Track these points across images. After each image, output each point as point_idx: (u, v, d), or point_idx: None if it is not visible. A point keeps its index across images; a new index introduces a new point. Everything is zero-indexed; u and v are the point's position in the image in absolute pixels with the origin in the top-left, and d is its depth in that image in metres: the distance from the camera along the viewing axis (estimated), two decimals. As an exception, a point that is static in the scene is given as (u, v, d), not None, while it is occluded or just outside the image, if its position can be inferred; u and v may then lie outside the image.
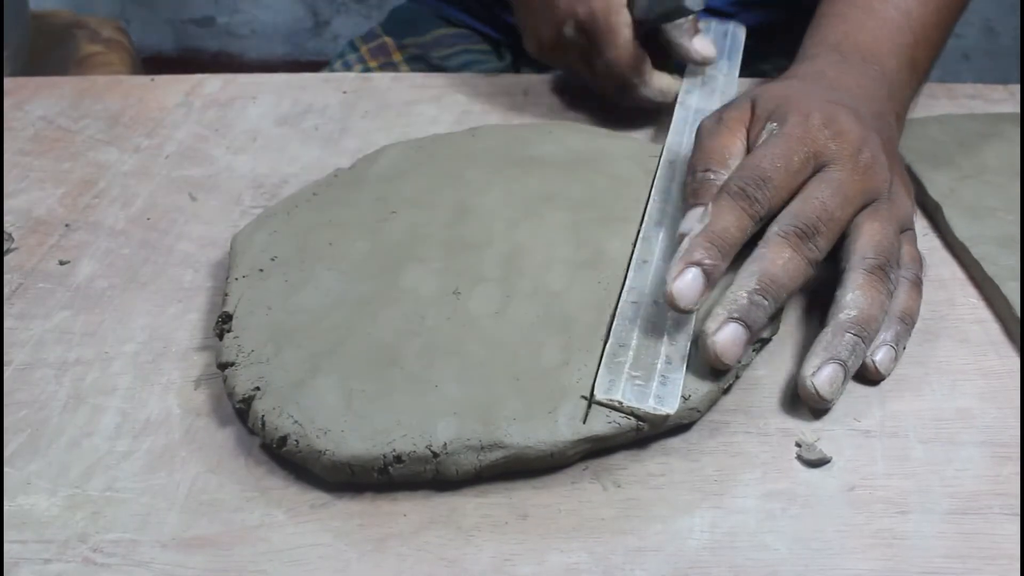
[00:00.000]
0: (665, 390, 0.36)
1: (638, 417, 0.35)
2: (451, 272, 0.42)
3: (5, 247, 0.48)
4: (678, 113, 0.56)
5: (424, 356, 0.38)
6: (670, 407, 0.36)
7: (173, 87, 0.66)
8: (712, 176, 0.43)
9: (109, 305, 0.44)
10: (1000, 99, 0.62)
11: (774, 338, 0.41)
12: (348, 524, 0.34)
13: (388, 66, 0.80)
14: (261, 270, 0.43)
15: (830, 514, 0.34)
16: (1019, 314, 0.41)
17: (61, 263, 0.47)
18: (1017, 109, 0.60)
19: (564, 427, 0.35)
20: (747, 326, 0.37)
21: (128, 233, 0.50)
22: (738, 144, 0.44)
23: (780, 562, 0.32)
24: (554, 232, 0.45)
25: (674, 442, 0.37)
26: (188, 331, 0.43)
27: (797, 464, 0.36)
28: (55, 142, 0.59)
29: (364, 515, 0.34)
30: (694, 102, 0.57)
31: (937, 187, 0.50)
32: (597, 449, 0.36)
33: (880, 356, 0.39)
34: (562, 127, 0.55)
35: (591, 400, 0.36)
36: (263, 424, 0.36)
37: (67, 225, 0.51)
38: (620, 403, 0.36)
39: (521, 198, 0.48)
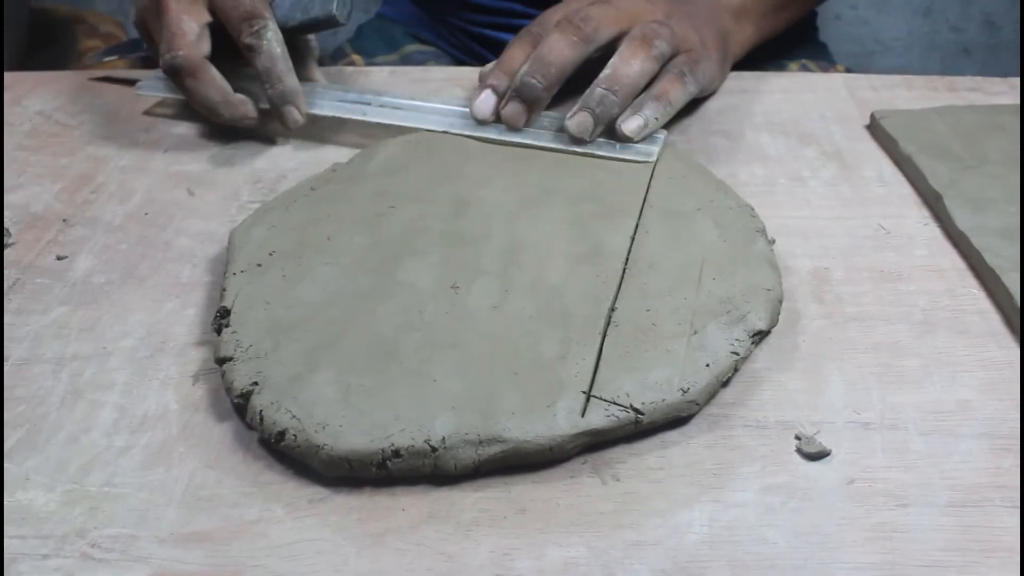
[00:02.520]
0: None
1: (636, 410, 0.35)
2: (449, 266, 0.42)
3: (4, 242, 0.48)
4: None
5: (422, 350, 0.38)
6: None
7: (171, 82, 0.65)
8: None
9: (107, 300, 0.44)
10: (1000, 92, 0.62)
11: (773, 331, 0.41)
12: (346, 519, 0.34)
13: None
14: (259, 265, 0.43)
15: (830, 507, 0.34)
16: (1019, 305, 0.41)
17: (59, 258, 0.47)
18: (1017, 101, 0.60)
19: (563, 421, 0.35)
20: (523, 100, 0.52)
21: (126, 228, 0.50)
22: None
23: (779, 556, 0.32)
24: (553, 226, 0.45)
25: (673, 435, 0.37)
26: (186, 326, 0.43)
27: (796, 457, 0.36)
28: (53, 137, 0.59)
29: (362, 510, 0.34)
30: None
31: (938, 178, 0.50)
32: (596, 443, 0.36)
33: (629, 123, 0.50)
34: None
35: (589, 394, 0.36)
36: (261, 419, 0.36)
37: (65, 220, 0.51)
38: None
39: (519, 192, 0.48)
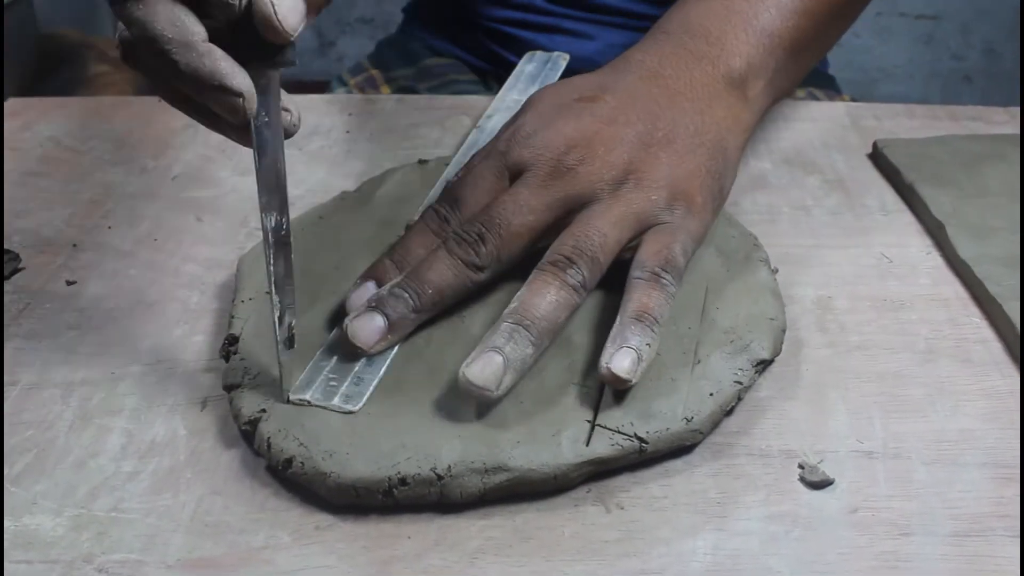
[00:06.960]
0: (356, 390, 0.38)
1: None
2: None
3: (14, 267, 0.49)
4: (472, 136, 0.56)
5: (428, 379, 0.38)
6: (355, 405, 0.37)
7: (180, 108, 0.66)
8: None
9: (115, 326, 0.45)
10: (1001, 121, 0.62)
11: (776, 360, 0.41)
12: (352, 546, 0.34)
13: None
14: (268, 292, 0.43)
15: (833, 536, 0.34)
16: (1021, 333, 0.41)
17: (68, 283, 0.48)
18: (1018, 131, 0.60)
19: (567, 450, 0.35)
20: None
21: (135, 254, 0.50)
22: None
23: (783, 585, 0.32)
24: (558, 254, 0.45)
25: (677, 464, 0.37)
26: (194, 352, 0.43)
27: (800, 486, 0.36)
28: (63, 163, 0.60)
29: (368, 537, 0.34)
30: (492, 125, 0.57)
31: (940, 207, 0.51)
32: (600, 471, 0.36)
33: (618, 360, 0.36)
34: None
35: (594, 423, 0.36)
36: (269, 446, 0.36)
37: (74, 245, 0.51)
38: (308, 402, 0.37)
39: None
